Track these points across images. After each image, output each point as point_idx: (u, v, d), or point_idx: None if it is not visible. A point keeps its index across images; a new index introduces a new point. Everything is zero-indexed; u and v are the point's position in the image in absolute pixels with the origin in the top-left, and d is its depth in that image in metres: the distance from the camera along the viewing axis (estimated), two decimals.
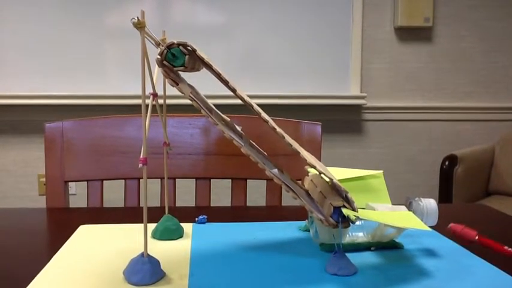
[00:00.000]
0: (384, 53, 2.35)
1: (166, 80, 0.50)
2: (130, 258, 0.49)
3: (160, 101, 0.60)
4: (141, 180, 0.91)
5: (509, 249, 0.54)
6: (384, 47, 2.35)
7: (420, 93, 2.39)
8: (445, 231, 0.64)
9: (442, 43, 2.38)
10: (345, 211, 0.49)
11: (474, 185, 2.20)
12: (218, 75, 0.50)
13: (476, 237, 0.57)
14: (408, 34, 2.35)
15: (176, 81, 0.50)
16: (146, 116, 0.53)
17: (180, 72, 0.54)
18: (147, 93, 0.55)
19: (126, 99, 2.15)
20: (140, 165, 0.48)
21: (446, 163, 2.08)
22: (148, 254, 0.49)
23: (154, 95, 0.55)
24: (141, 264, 0.48)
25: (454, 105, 2.41)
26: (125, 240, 0.61)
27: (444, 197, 2.07)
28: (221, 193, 1.24)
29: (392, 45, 2.35)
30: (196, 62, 0.53)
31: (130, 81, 2.16)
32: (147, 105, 0.55)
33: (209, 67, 0.50)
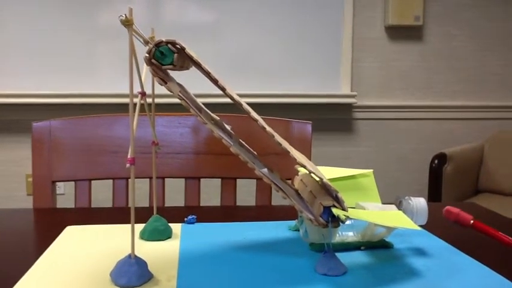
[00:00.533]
0: (374, 51, 2.36)
1: (155, 79, 0.49)
2: (118, 260, 0.48)
3: (149, 100, 0.59)
4: (129, 180, 0.90)
5: (504, 235, 0.54)
6: (375, 45, 2.35)
7: (410, 92, 2.40)
8: (435, 230, 0.64)
9: (433, 42, 2.39)
10: (335, 211, 0.49)
11: (463, 183, 2.22)
12: (207, 74, 0.49)
13: (472, 222, 0.56)
14: (399, 33, 2.36)
15: (165, 79, 0.49)
16: (134, 115, 0.53)
17: (169, 71, 0.53)
18: (135, 92, 0.55)
19: (116, 98, 2.13)
20: (128, 165, 0.47)
21: (436, 161, 2.09)
22: (135, 256, 0.48)
23: (143, 94, 0.54)
24: (128, 266, 0.47)
25: (444, 104, 2.42)
26: (113, 241, 0.60)
27: (433, 195, 2.08)
28: (211, 193, 1.23)
29: (383, 44, 2.36)
30: (186, 60, 0.52)
31: (121, 80, 2.14)
32: (135, 104, 0.54)
33: (198, 65, 0.49)
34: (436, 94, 2.42)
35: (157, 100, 1.69)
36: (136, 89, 0.54)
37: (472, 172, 2.30)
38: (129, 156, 0.47)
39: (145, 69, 0.55)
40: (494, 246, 0.60)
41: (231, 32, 2.25)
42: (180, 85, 0.52)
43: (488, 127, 2.46)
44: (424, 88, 2.41)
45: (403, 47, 2.37)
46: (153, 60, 0.48)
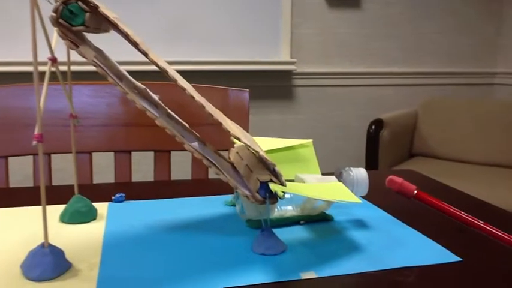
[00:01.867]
0: (313, 18, 2.33)
1: (64, 42, 0.42)
2: (31, 249, 0.43)
3: (67, 68, 0.52)
4: (52, 156, 0.83)
5: (446, 204, 0.53)
6: (314, 12, 2.32)
7: (349, 59, 2.41)
8: (376, 199, 0.63)
9: (371, 9, 2.39)
10: (272, 186, 0.45)
11: (399, 148, 2.28)
12: (126, 36, 0.43)
13: (415, 192, 0.55)
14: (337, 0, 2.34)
15: (76, 43, 0.42)
16: (43, 84, 0.46)
17: (85, 34, 0.47)
18: (45, 58, 0.48)
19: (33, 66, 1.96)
20: (34, 142, 0.41)
21: (373, 127, 2.13)
22: (49, 244, 0.42)
23: (53, 60, 0.47)
24: (40, 257, 0.42)
25: (380, 71, 2.45)
26: (31, 226, 0.54)
27: (370, 160, 2.13)
28: (145, 166, 1.17)
29: (322, 10, 2.33)
30: (102, 21, 0.46)
31: (39, 46, 1.97)
32: (42, 73, 0.47)
33: (115, 26, 0.43)
34: (373, 61, 2.44)
35: (82, 68, 1.58)
36: (47, 55, 0.47)
37: (406, 137, 2.37)
38: (36, 132, 0.41)
39: (56, 31, 0.48)
40: (433, 214, 0.59)
41: None
42: (97, 50, 0.46)
43: (422, 93, 2.53)
44: (361, 55, 2.42)
45: (341, 14, 2.36)
46: (60, 20, 0.41)
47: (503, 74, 2.59)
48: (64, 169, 1.45)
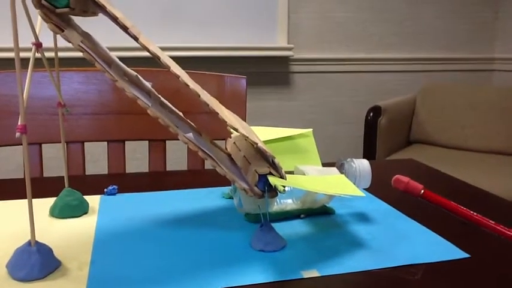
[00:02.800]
0: (310, 3, 2.28)
1: (47, 26, 0.39)
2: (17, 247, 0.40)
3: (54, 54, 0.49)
4: (43, 145, 0.80)
5: (456, 204, 0.51)
6: None
7: (346, 44, 2.37)
8: (376, 190, 0.61)
9: None
10: (271, 179, 0.43)
11: (397, 135, 2.26)
12: (115, 20, 0.40)
13: (422, 191, 0.53)
14: None
15: (60, 26, 0.39)
16: (29, 71, 0.43)
17: (72, 17, 0.44)
18: (29, 43, 0.45)
19: (22, 52, 1.91)
20: (18, 134, 0.38)
21: (371, 114, 2.10)
22: (37, 242, 0.40)
23: (38, 45, 0.44)
24: (27, 256, 0.39)
25: (378, 57, 2.42)
26: (19, 221, 0.51)
27: (368, 147, 2.11)
28: (140, 155, 1.15)
29: None
30: (90, 3, 0.43)
31: (23, 31, 1.91)
32: (25, 60, 0.44)
33: (102, 9, 0.40)
34: (371, 47, 2.41)
35: (73, 54, 1.54)
36: (31, 39, 0.44)
37: (405, 124, 2.34)
38: (19, 123, 0.38)
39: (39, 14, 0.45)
40: (438, 208, 0.57)
41: None
42: (85, 34, 0.43)
43: (420, 79, 2.50)
44: (359, 41, 2.39)
45: None
46: (43, 2, 0.38)
47: (502, 59, 2.57)
48: (57, 157, 1.42)
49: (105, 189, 0.60)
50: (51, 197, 0.57)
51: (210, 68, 2.12)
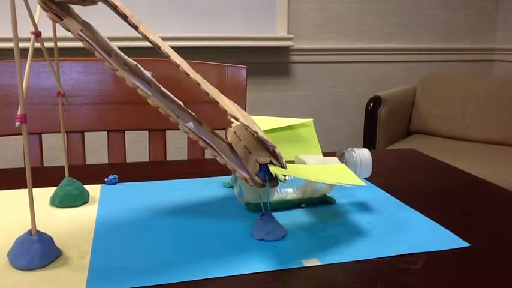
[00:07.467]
0: None
1: (46, 15, 0.39)
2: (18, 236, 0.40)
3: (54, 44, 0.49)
4: (43, 135, 0.80)
5: None
6: None
7: (346, 35, 2.36)
8: (377, 179, 0.61)
9: None
10: (272, 169, 0.43)
11: (397, 125, 2.26)
12: (114, 8, 0.40)
13: None
14: None
15: (60, 15, 0.39)
16: (27, 60, 0.43)
17: (71, 6, 0.43)
18: (28, 33, 0.45)
19: (21, 42, 1.90)
20: (17, 123, 0.38)
21: (371, 105, 2.10)
22: (38, 231, 0.40)
23: (37, 34, 0.44)
24: (28, 244, 0.39)
25: (378, 47, 2.41)
26: (20, 210, 0.51)
27: (368, 137, 2.11)
28: (140, 144, 1.15)
29: None
30: None
31: (22, 21, 1.91)
32: (24, 50, 0.44)
33: None
34: (370, 37, 2.40)
35: (74, 44, 1.53)
36: (30, 29, 0.44)
37: (404, 114, 2.34)
38: (19, 113, 0.38)
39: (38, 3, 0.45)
40: (439, 197, 0.57)
41: None
42: (85, 23, 0.43)
43: (420, 69, 2.49)
44: (359, 31, 2.37)
45: None
46: None
47: (502, 50, 2.56)
48: (58, 148, 1.42)
49: (106, 179, 0.60)
50: (51, 186, 0.57)
51: (210, 58, 2.12)
